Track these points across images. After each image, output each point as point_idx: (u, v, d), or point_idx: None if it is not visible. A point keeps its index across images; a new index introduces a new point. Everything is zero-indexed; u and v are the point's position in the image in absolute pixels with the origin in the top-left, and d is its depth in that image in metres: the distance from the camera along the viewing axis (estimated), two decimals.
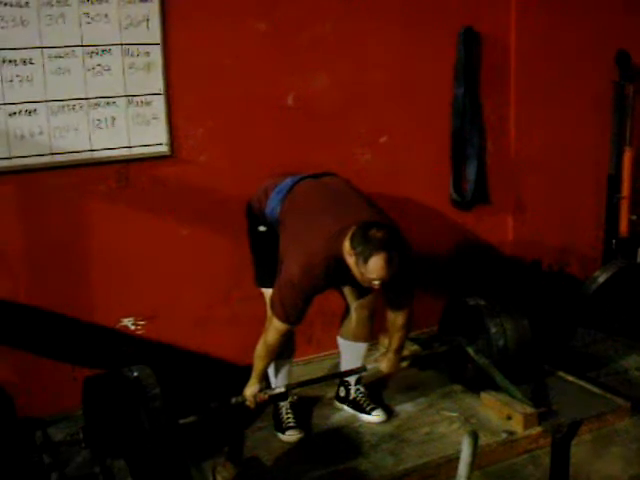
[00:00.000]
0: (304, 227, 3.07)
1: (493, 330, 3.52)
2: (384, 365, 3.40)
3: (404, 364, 3.54)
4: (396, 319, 3.25)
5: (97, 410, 2.94)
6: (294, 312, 3.01)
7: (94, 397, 2.97)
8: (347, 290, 3.42)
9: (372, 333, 3.53)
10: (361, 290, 3.33)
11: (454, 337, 3.68)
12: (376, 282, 2.89)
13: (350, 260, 2.89)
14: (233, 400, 3.19)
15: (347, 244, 2.89)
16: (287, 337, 3.14)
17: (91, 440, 2.94)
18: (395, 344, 3.34)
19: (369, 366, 3.45)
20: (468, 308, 3.65)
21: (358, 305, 3.42)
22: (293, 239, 3.07)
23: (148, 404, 2.84)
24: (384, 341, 3.74)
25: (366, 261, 2.83)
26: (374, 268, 2.83)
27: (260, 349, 3.13)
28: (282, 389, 3.29)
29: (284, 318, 3.02)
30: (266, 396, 3.23)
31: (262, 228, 3.28)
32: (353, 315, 3.45)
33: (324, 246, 2.94)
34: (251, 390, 3.19)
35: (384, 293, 3.19)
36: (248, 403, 3.19)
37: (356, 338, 3.48)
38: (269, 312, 3.09)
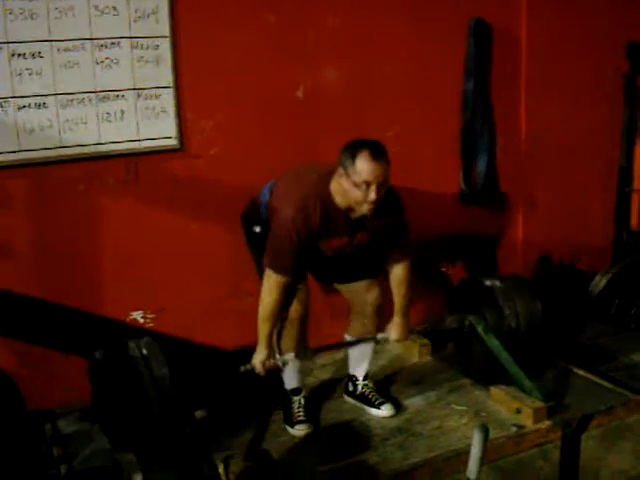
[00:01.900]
0: (291, 186, 3.12)
1: (505, 309, 3.51)
2: (393, 332, 3.36)
3: (413, 336, 3.49)
4: (396, 273, 3.24)
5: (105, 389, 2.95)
6: (288, 260, 3.02)
7: (101, 376, 2.98)
8: (348, 289, 3.40)
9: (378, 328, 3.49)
10: (362, 277, 3.34)
11: (464, 315, 3.62)
12: (372, 193, 2.88)
13: (344, 186, 2.93)
14: (242, 368, 3.15)
15: (335, 179, 2.97)
16: (286, 296, 3.12)
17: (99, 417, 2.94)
18: (400, 304, 3.31)
19: (379, 335, 3.39)
20: (480, 287, 3.64)
21: (362, 302, 3.38)
22: (282, 198, 3.11)
23: (160, 398, 2.84)
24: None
25: (354, 162, 2.86)
26: (362, 167, 2.86)
27: (262, 311, 3.12)
28: (291, 355, 3.23)
29: (280, 268, 3.03)
30: (275, 363, 3.20)
31: (257, 229, 3.27)
32: (358, 313, 3.41)
33: (313, 190, 3.03)
34: (259, 357, 3.15)
35: (382, 249, 3.21)
36: (257, 371, 3.16)
37: (362, 335, 3.44)
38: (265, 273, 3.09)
